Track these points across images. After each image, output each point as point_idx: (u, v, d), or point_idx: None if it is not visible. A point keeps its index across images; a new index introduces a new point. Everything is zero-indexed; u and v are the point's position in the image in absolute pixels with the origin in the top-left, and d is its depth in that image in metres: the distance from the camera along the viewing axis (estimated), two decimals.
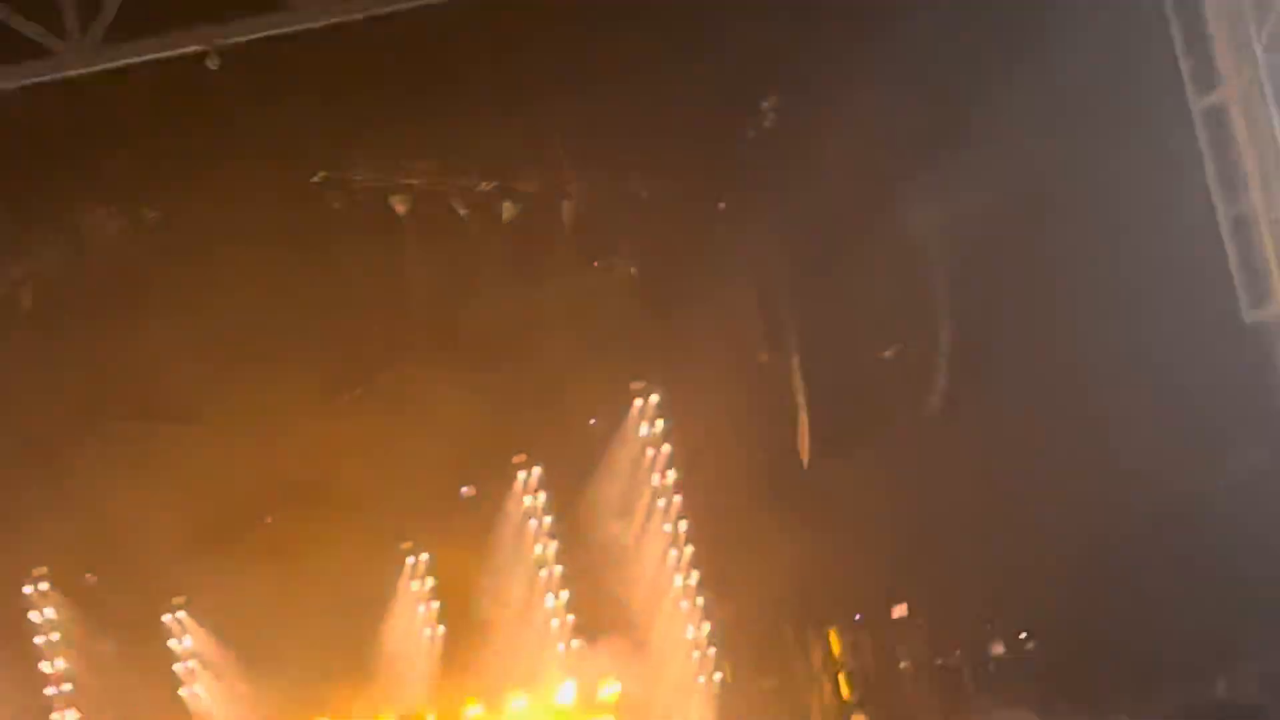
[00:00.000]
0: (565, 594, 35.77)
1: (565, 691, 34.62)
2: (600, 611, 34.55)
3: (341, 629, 34.51)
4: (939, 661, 32.91)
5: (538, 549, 36.20)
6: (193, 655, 36.06)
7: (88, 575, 35.15)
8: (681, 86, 29.17)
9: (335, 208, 31.57)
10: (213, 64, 23.51)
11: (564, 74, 28.94)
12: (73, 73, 23.60)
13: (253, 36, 23.67)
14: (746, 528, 32.62)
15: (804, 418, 33.62)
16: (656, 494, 35.69)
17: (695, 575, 35.36)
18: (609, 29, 27.46)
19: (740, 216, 32.68)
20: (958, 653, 32.77)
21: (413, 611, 36.38)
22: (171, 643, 36.07)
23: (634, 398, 35.69)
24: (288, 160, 30.35)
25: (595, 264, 33.78)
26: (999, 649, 32.40)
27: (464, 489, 35.86)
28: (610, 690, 34.35)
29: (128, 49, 23.99)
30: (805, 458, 33.64)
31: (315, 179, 31.21)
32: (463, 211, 32.59)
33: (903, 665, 33.16)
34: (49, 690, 35.09)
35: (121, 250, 31.11)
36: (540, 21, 26.79)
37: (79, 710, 35.11)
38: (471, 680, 34.46)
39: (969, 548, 31.25)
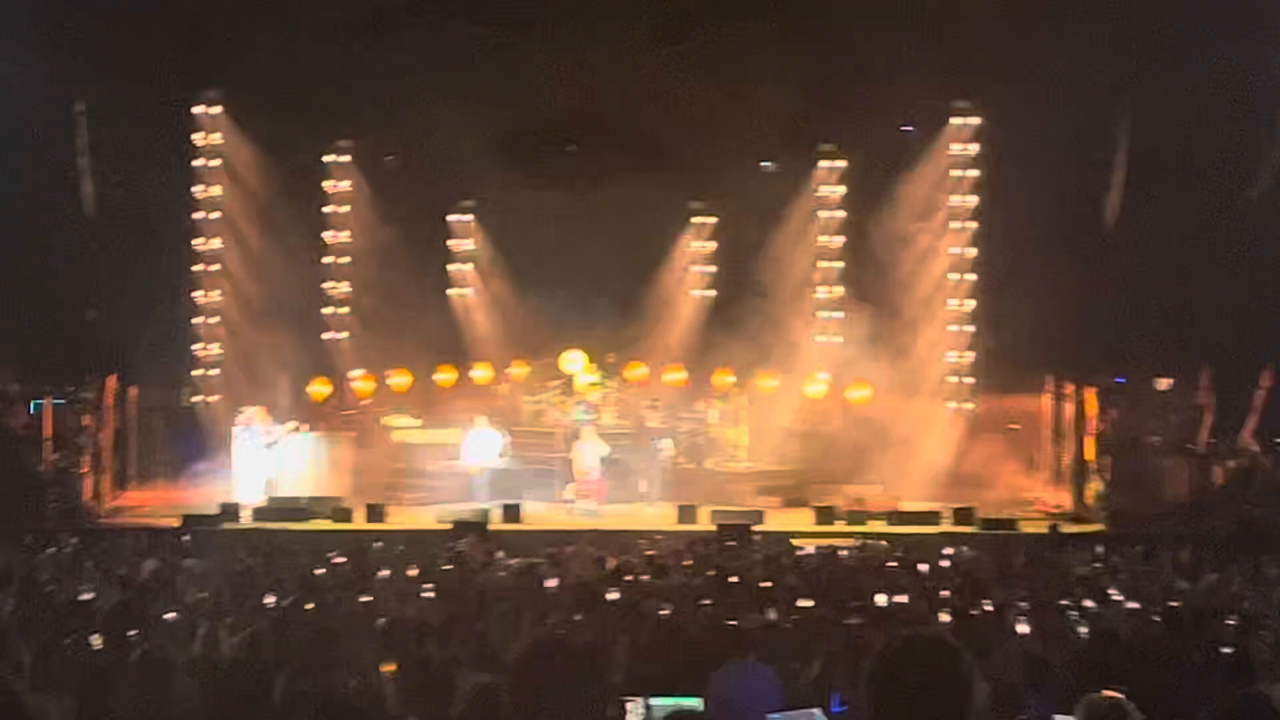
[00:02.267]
0: (840, 289, 35.57)
1: (816, 383, 34.69)
2: (868, 314, 34.26)
3: (617, 269, 34.81)
4: (1188, 445, 32.34)
5: (823, 238, 36.01)
6: (469, 258, 36.66)
7: (388, 157, 35.70)
8: None
9: None
10: None
11: None
12: None
13: None
14: (1033, 268, 32.05)
15: (1121, 174, 32.84)
16: (954, 214, 35.23)
17: (971, 304, 35.01)
18: None
19: None
20: (1212, 440, 32.24)
21: (688, 269, 36.60)
22: (451, 242, 36.71)
23: (953, 115, 35.07)
24: None
25: None
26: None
27: (765, 163, 35.64)
28: (860, 393, 34.38)
29: None
30: (1112, 215, 32.92)
31: None
32: None
33: (1152, 439, 32.51)
34: (325, 259, 36.25)
35: None
36: None
37: (350, 285, 36.14)
38: (731, 349, 34.42)
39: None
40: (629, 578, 18.61)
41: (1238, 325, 30.82)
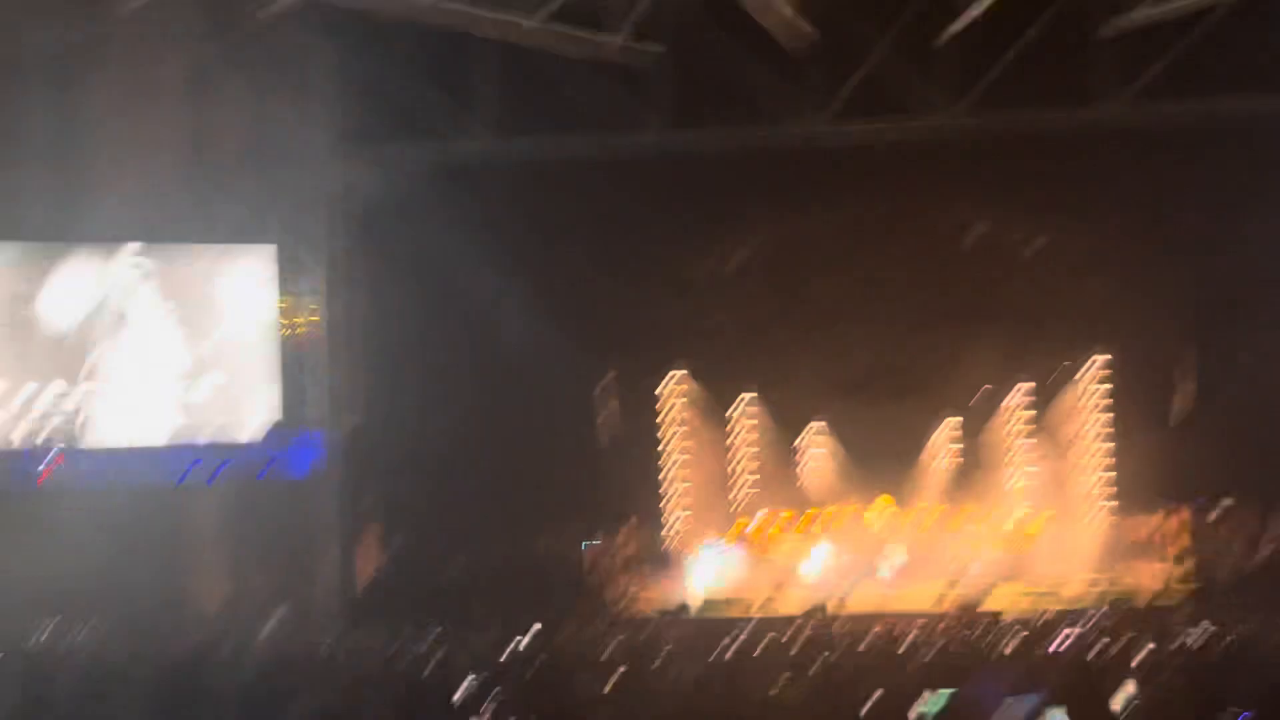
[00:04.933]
0: (1031, 469, 41.42)
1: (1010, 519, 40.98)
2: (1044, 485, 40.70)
3: (891, 455, 41.36)
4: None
5: (1018, 441, 41.67)
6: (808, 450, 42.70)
7: (751, 393, 42.31)
8: None
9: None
10: None
11: None
12: None
13: None
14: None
15: (1186, 390, 38.54)
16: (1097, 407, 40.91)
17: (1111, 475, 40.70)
18: None
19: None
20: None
21: (939, 455, 42.07)
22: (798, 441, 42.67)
23: (1094, 353, 40.86)
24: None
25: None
26: None
27: (983, 388, 41.72)
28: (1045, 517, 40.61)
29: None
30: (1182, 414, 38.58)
31: None
32: None
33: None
34: (734, 464, 42.51)
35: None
36: None
37: (749, 480, 42.54)
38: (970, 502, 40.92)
39: None
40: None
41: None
